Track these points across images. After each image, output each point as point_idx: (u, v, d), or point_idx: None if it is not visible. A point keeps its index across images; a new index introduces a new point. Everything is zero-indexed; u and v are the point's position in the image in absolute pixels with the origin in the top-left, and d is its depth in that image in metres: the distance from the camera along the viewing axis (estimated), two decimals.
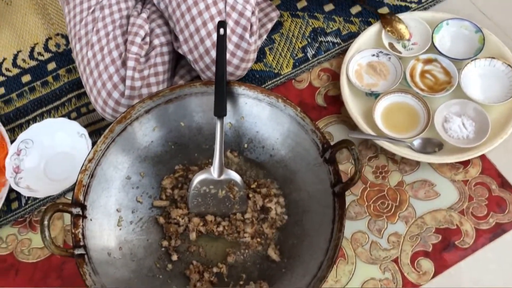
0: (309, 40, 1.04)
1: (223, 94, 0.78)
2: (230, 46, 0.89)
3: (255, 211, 0.80)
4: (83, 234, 0.71)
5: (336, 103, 0.97)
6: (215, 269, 0.76)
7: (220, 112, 0.77)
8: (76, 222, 0.71)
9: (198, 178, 0.78)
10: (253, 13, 0.90)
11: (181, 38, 0.91)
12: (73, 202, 0.72)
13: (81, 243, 0.70)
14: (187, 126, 0.83)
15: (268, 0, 1.09)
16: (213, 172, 0.77)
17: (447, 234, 0.83)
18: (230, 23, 0.89)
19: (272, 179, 0.82)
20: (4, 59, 1.13)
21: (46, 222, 0.66)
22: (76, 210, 0.72)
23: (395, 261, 0.82)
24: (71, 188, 0.93)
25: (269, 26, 1.04)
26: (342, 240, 0.67)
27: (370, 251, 0.83)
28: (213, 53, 0.88)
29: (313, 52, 1.03)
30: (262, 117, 0.81)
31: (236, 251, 0.78)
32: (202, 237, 0.80)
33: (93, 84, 0.91)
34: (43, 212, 0.67)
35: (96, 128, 0.99)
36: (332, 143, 0.73)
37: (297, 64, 1.02)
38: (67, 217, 0.92)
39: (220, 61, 0.78)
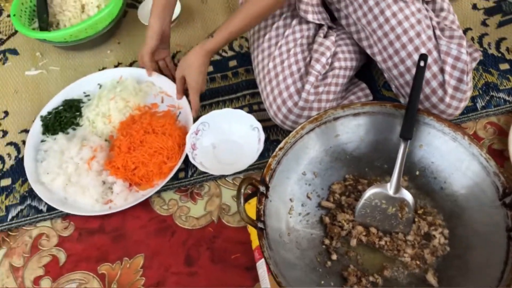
0: (480, 91, 1.07)
1: (413, 119, 0.82)
2: (449, 90, 0.92)
3: (418, 235, 0.82)
4: (263, 211, 0.78)
5: (500, 157, 0.99)
6: (371, 278, 0.79)
7: (407, 134, 0.82)
8: (260, 199, 0.78)
9: (373, 190, 0.82)
10: (467, 53, 0.94)
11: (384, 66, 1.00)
12: (261, 181, 0.79)
13: (262, 219, 0.77)
14: (365, 140, 0.89)
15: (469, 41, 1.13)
16: (390, 188, 0.81)
17: None
18: (447, 69, 0.93)
19: (438, 210, 0.84)
20: None
21: (242, 190, 0.74)
22: (262, 189, 0.79)
23: None
24: (237, 173, 1.01)
25: (474, 65, 1.06)
26: None
27: None
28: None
29: (483, 104, 1.05)
30: (442, 149, 0.84)
31: (393, 267, 0.81)
32: (361, 246, 0.83)
33: (270, 91, 1.00)
34: (241, 181, 0.76)
35: (264, 125, 1.07)
36: None
37: (465, 111, 1.05)
38: (225, 197, 1.00)
39: (417, 88, 0.84)
